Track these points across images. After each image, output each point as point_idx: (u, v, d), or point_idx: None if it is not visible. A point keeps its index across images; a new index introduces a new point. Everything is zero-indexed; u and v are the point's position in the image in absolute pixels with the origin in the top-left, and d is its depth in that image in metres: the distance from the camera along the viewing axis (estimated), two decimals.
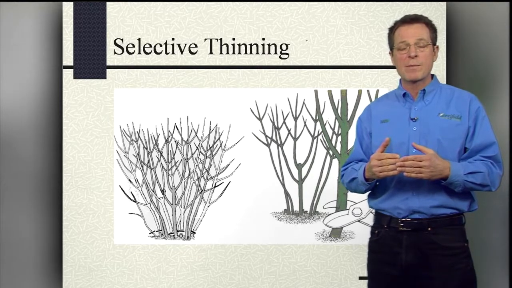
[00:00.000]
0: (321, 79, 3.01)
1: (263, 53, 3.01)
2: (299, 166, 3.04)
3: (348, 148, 3.00)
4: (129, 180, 3.03)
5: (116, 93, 3.02)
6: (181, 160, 3.03)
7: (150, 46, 3.01)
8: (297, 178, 3.04)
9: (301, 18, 3.00)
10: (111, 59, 3.01)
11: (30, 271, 3.07)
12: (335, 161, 3.02)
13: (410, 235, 2.00)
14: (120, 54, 3.01)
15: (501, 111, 3.04)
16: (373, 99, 2.99)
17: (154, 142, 3.03)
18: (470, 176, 1.93)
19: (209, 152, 3.03)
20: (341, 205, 3.03)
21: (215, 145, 3.03)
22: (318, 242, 3.02)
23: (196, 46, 3.01)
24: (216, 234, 3.02)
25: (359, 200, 2.99)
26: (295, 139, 3.04)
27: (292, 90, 3.02)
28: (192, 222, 3.03)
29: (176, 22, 3.01)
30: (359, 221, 3.02)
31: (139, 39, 3.01)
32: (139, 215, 3.03)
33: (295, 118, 3.03)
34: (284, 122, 3.03)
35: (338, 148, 3.02)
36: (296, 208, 3.03)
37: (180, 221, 3.04)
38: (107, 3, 3.00)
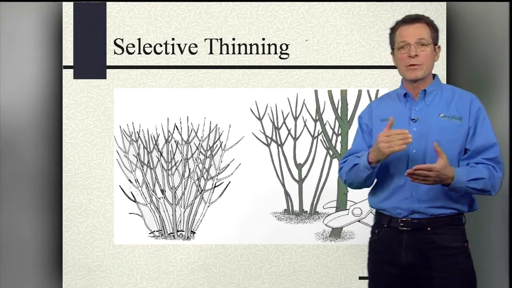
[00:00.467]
0: (321, 79, 3.01)
1: (263, 53, 3.01)
2: (299, 166, 3.04)
3: (348, 148, 2.99)
4: (129, 180, 3.03)
5: (116, 93, 3.02)
6: (181, 160, 3.03)
7: (150, 46, 3.01)
8: (297, 178, 3.04)
9: (301, 18, 3.00)
10: (111, 59, 3.01)
11: (30, 271, 3.07)
12: (335, 161, 3.02)
13: (410, 235, 2.00)
14: (120, 54, 3.01)
15: (501, 111, 3.04)
16: (373, 99, 2.99)
17: (154, 142, 3.03)
18: (473, 182, 1.94)
19: (209, 152, 3.03)
20: (341, 205, 3.03)
21: (215, 145, 3.03)
22: (318, 242, 3.02)
23: (196, 46, 3.01)
24: (216, 234, 3.02)
25: (359, 200, 2.99)
26: (295, 139, 3.04)
27: (292, 90, 3.02)
28: (192, 222, 3.03)
29: (176, 22, 3.01)
30: (359, 221, 3.02)
31: (139, 39, 3.01)
32: (139, 215, 3.03)
33: (295, 118, 3.03)
34: (284, 122, 3.03)
35: (338, 148, 3.02)
36: (296, 208, 3.03)
37: (180, 221, 3.04)
38: (107, 3, 3.00)
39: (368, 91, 3.01)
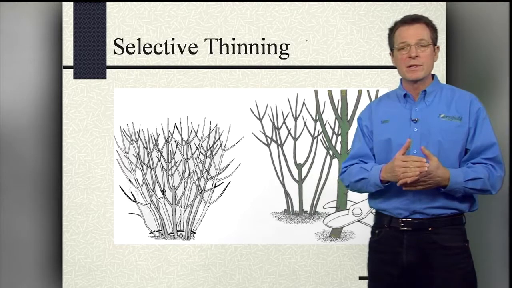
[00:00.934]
0: (321, 79, 3.01)
1: (263, 53, 3.01)
2: (299, 166, 3.04)
3: (348, 148, 3.00)
4: (129, 180, 3.03)
5: (116, 93, 3.02)
6: (181, 160, 3.03)
7: (150, 46, 3.01)
8: (297, 178, 3.04)
9: (301, 18, 3.00)
10: (111, 59, 3.01)
11: (30, 271, 3.07)
12: (335, 161, 3.02)
13: (411, 235, 2.00)
14: (120, 54, 3.01)
15: (501, 111, 3.04)
16: (373, 99, 2.98)
17: (154, 142, 3.03)
18: (470, 182, 1.94)
19: (209, 152, 3.03)
20: (341, 205, 3.03)
21: (215, 145, 3.03)
22: (318, 242, 3.02)
23: (196, 46, 3.01)
24: (216, 234, 3.02)
25: (359, 200, 2.99)
26: (295, 139, 3.04)
27: (292, 90, 3.02)
28: (192, 222, 3.03)
29: (176, 22, 3.01)
30: (359, 221, 3.02)
31: (139, 39, 3.01)
32: (139, 215, 3.03)
33: (295, 118, 3.03)
34: (284, 122, 3.03)
35: (338, 148, 3.02)
36: (296, 208, 3.03)
37: (180, 221, 3.04)
38: (107, 3, 3.00)
39: (368, 91, 3.01)
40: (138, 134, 3.03)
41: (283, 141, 3.04)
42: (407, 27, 2.04)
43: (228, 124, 3.02)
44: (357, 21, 3.00)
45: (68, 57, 3.00)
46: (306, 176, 3.03)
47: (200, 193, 3.03)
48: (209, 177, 3.03)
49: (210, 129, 3.03)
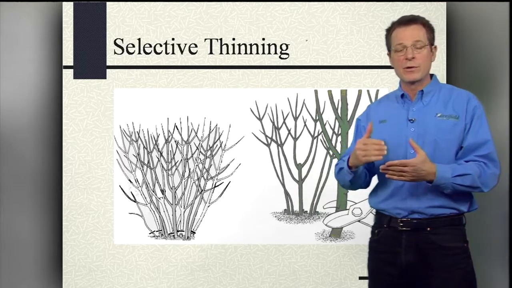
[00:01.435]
0: (321, 79, 3.01)
1: (263, 53, 3.01)
2: (299, 166, 3.04)
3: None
4: (129, 180, 3.03)
5: (116, 93, 3.02)
6: (181, 160, 3.03)
7: (150, 46, 3.01)
8: (297, 178, 3.04)
9: (301, 18, 3.00)
10: (111, 59, 3.01)
11: (30, 271, 3.07)
12: (335, 161, 3.02)
13: (409, 234, 2.01)
14: (120, 54, 3.01)
15: (501, 111, 3.04)
16: (373, 99, 2.99)
17: (154, 142, 3.03)
18: (458, 178, 1.93)
19: (209, 152, 3.03)
20: (341, 205, 3.03)
21: (215, 145, 3.03)
22: (318, 242, 3.02)
23: (196, 46, 3.01)
24: (216, 234, 3.02)
25: (359, 200, 2.99)
26: (295, 139, 3.04)
27: (292, 90, 3.02)
28: (192, 222, 3.03)
29: (176, 22, 3.01)
30: (359, 221, 3.02)
31: (139, 39, 3.01)
32: (139, 215, 3.03)
33: (295, 118, 3.03)
34: (284, 122, 3.03)
35: (338, 148, 3.02)
36: (296, 208, 3.03)
37: (180, 221, 3.04)
38: (107, 3, 3.00)
39: (368, 91, 3.01)
40: (138, 134, 3.03)
41: (283, 141, 3.04)
42: (404, 28, 2.04)
43: (228, 124, 3.02)
44: (357, 21, 3.00)
45: (68, 57, 3.01)
46: (306, 176, 3.03)
47: (200, 193, 3.03)
48: (209, 177, 3.03)
49: (210, 129, 3.03)
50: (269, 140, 3.04)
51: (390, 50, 2.10)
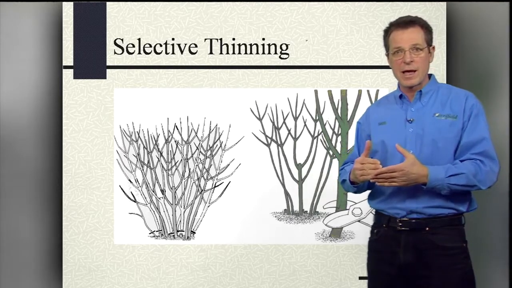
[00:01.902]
0: (321, 79, 3.01)
1: (263, 53, 3.01)
2: (299, 166, 3.04)
3: (348, 148, 3.00)
4: (129, 180, 3.03)
5: (116, 93, 3.02)
6: (181, 160, 3.03)
7: (150, 46, 3.01)
8: (297, 178, 3.04)
9: (301, 18, 3.00)
10: (111, 59, 3.01)
11: (30, 271, 3.07)
12: (335, 161, 3.02)
13: (408, 234, 2.01)
14: (120, 54, 3.01)
15: (501, 111, 3.04)
16: (373, 99, 2.99)
17: (154, 142, 3.03)
18: (453, 178, 1.92)
19: (209, 152, 3.03)
20: (341, 205, 3.03)
21: (215, 145, 3.03)
22: (318, 242, 3.02)
23: (196, 46, 3.01)
24: (216, 234, 3.02)
25: (359, 200, 2.99)
26: (295, 139, 3.04)
27: (292, 90, 3.02)
28: (192, 222, 3.03)
29: (176, 22, 3.02)
30: (359, 221, 3.02)
31: (139, 39, 3.01)
32: (139, 215, 3.03)
33: (295, 118, 3.03)
34: (284, 122, 3.03)
35: (338, 148, 3.02)
36: (296, 208, 3.03)
37: (180, 221, 3.04)
38: (107, 3, 3.00)
39: (368, 91, 3.01)
40: (138, 134, 3.03)
41: (283, 141, 3.04)
42: (401, 31, 2.03)
43: (228, 124, 3.02)
44: (357, 21, 3.00)
45: (68, 57, 3.01)
46: (306, 176, 3.03)
47: (200, 193, 3.03)
48: (209, 177, 3.03)
49: (210, 129, 3.03)
50: (269, 140, 3.04)
51: (388, 51, 2.10)
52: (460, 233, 2.03)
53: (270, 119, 3.03)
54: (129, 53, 3.01)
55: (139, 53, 3.01)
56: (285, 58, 3.01)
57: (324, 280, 3.01)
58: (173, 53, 3.01)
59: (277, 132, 3.04)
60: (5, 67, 3.05)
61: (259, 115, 3.03)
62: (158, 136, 3.03)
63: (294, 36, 3.01)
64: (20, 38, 3.04)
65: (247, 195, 3.02)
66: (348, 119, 3.02)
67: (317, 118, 3.03)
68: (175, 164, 3.03)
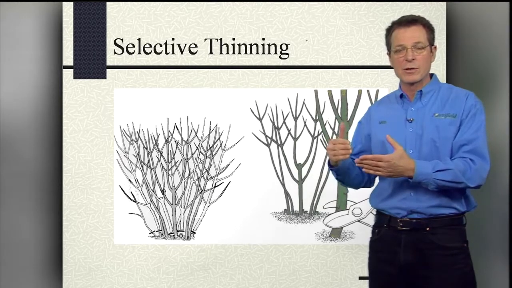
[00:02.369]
0: (321, 79, 3.01)
1: (263, 53, 3.01)
2: (299, 166, 3.04)
3: None
4: (129, 180, 3.03)
5: (116, 93, 3.02)
6: (181, 160, 3.03)
7: (150, 46, 3.01)
8: (297, 178, 3.04)
9: (301, 18, 3.00)
10: (111, 59, 3.01)
11: (30, 271, 3.07)
12: None
13: (408, 234, 2.01)
14: (120, 54, 3.01)
15: (501, 111, 3.04)
16: (373, 99, 2.99)
17: (154, 142, 3.03)
18: (439, 174, 1.92)
19: (209, 152, 3.03)
20: (341, 205, 3.03)
21: (215, 145, 3.03)
22: (318, 242, 3.02)
23: (196, 46, 3.01)
24: (216, 234, 3.02)
25: (359, 200, 2.99)
26: (295, 139, 3.04)
27: (292, 90, 3.02)
28: (192, 222, 3.03)
29: (176, 22, 3.01)
30: (359, 221, 3.02)
31: (139, 39, 3.01)
32: (139, 215, 3.03)
33: (295, 118, 3.03)
34: (284, 122, 3.03)
35: None
36: (296, 208, 3.03)
37: (180, 221, 3.04)
38: (107, 3, 3.00)
39: (368, 91, 3.01)
40: (138, 134, 3.03)
41: (283, 141, 3.04)
42: (404, 29, 2.04)
43: (228, 124, 3.02)
44: (357, 21, 3.00)
45: (68, 57, 3.01)
46: (306, 176, 3.03)
47: (200, 193, 3.03)
48: (209, 177, 3.03)
49: (210, 129, 3.03)
50: (269, 140, 3.04)
51: (389, 50, 2.10)
52: (461, 233, 2.03)
53: (270, 119, 3.03)
54: (129, 53, 3.01)
55: (139, 53, 3.01)
56: (285, 58, 3.01)
57: (324, 280, 3.01)
58: (173, 53, 3.01)
59: (277, 132, 3.04)
60: (5, 67, 3.04)
61: (259, 115, 3.03)
62: (158, 136, 3.03)
63: (294, 36, 3.01)
64: (20, 38, 3.04)
65: (247, 195, 3.02)
66: (348, 119, 3.02)
67: (317, 118, 3.03)
68: (175, 164, 3.03)
